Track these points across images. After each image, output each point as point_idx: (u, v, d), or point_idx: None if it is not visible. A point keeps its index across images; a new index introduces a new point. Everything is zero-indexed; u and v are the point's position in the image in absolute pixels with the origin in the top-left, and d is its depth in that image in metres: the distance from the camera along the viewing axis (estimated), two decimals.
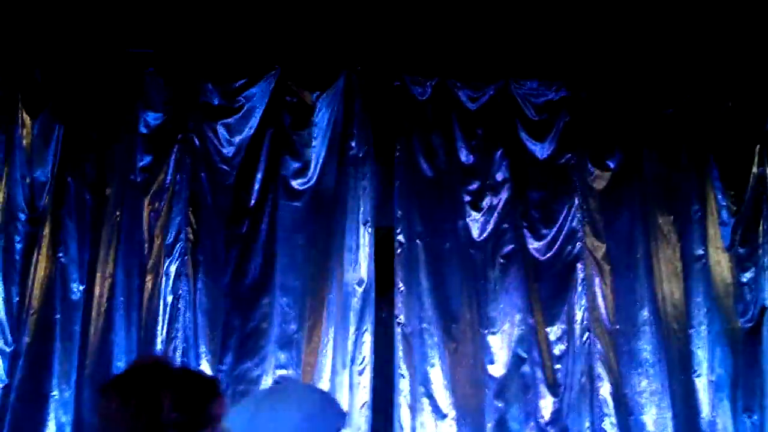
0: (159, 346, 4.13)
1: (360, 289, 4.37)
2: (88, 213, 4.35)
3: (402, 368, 4.41)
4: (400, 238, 4.54)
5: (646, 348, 4.49)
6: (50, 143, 4.40)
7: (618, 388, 4.43)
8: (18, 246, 4.29)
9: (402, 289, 4.50)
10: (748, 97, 4.82)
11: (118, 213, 4.35)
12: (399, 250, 4.53)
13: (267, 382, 4.23)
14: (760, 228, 4.74)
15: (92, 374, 4.13)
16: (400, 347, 4.42)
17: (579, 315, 4.51)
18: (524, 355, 4.46)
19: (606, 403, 4.41)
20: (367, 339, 4.32)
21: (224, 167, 4.46)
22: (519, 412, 4.43)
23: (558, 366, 4.46)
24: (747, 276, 4.67)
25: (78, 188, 4.37)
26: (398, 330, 4.45)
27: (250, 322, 4.31)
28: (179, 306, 4.25)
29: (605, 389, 4.42)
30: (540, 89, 4.77)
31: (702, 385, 4.48)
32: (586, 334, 4.48)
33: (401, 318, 4.46)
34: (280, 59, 4.60)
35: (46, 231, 4.31)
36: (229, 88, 4.56)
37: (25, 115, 4.42)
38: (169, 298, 4.25)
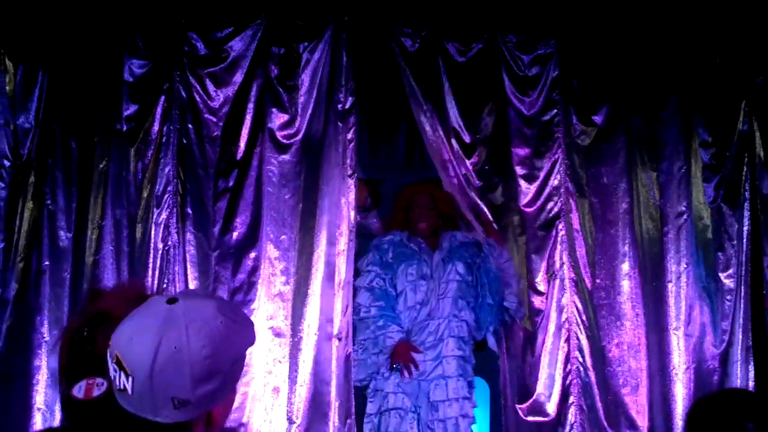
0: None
1: (348, 242, 4.53)
2: (74, 161, 4.49)
3: None
4: None
5: (625, 302, 4.77)
6: (34, 90, 4.52)
7: (595, 340, 4.70)
8: (3, 193, 4.44)
9: None
10: (736, 53, 4.99)
11: (104, 162, 4.50)
12: None
13: (257, 333, 4.44)
14: (744, 185, 4.98)
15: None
16: None
17: (559, 270, 4.75)
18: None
19: (583, 355, 4.67)
20: (351, 291, 4.47)
21: (211, 118, 4.58)
22: None
23: (537, 318, 4.71)
24: (729, 232, 4.92)
25: (64, 136, 4.50)
26: None
27: (238, 275, 4.49)
28: (169, 257, 4.42)
29: (582, 342, 4.68)
30: (529, 44, 4.91)
31: (677, 338, 4.79)
32: (566, 288, 4.73)
33: None
34: (266, 8, 4.68)
35: (33, 178, 4.46)
36: (214, 37, 4.65)
37: (8, 61, 4.53)
38: (160, 246, 4.42)
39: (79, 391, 1.66)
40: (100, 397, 1.63)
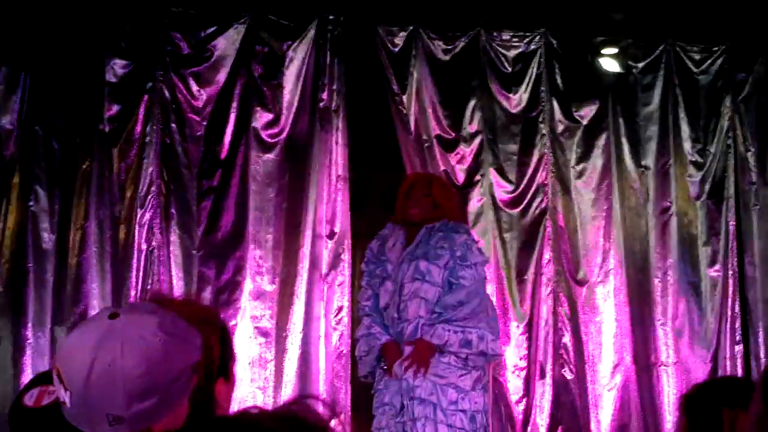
0: (133, 296, 4.35)
1: (333, 242, 4.56)
2: (57, 162, 4.49)
3: None
4: None
5: (610, 298, 4.80)
6: (16, 91, 4.52)
7: (580, 336, 4.73)
8: None
9: None
10: (719, 49, 5.06)
11: (87, 163, 4.50)
12: None
13: (242, 333, 4.45)
14: (728, 180, 5.03)
15: (67, 322, 4.34)
16: None
17: (545, 266, 4.78)
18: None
19: (567, 350, 4.72)
20: (344, 290, 4.53)
21: (194, 118, 4.58)
22: None
23: (524, 314, 4.72)
24: (714, 227, 4.97)
25: (46, 137, 4.50)
26: None
27: (223, 275, 4.50)
28: (153, 258, 4.43)
29: (567, 337, 4.72)
30: (513, 41, 4.95)
31: (663, 333, 4.83)
32: (552, 284, 4.77)
33: None
34: (249, 7, 4.68)
35: (16, 180, 4.46)
36: (197, 36, 4.65)
37: None
38: (144, 246, 4.43)
39: (30, 398, 1.62)
40: (49, 406, 1.58)
